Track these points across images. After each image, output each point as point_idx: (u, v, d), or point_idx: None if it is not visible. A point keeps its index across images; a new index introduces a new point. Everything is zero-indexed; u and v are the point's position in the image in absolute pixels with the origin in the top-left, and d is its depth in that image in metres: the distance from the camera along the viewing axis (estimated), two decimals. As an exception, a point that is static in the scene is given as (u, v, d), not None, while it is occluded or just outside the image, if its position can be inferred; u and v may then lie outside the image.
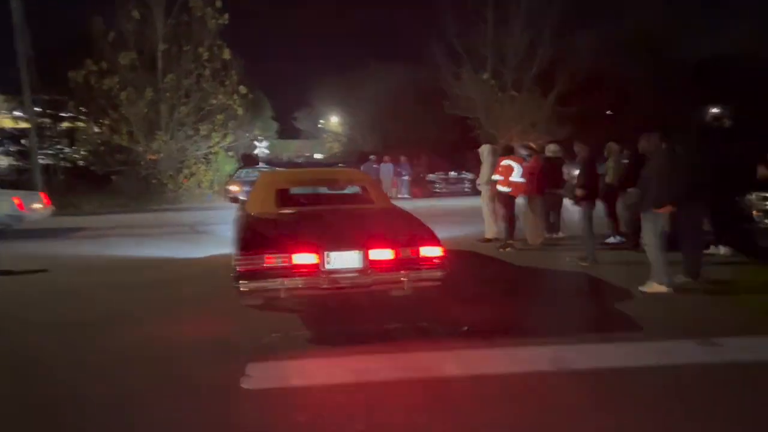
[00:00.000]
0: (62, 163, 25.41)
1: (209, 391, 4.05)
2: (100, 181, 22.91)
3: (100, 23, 21.51)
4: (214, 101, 22.66)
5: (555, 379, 4.14)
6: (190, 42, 22.21)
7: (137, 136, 22.21)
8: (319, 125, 49.52)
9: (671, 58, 29.65)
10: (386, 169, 22.87)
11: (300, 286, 5.16)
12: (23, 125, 26.21)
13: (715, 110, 31.61)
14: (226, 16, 22.49)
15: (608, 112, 27.30)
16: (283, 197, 7.10)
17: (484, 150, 10.42)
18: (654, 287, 6.56)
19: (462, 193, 22.50)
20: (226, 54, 22.73)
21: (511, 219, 9.73)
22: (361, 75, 33.93)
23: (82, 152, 24.50)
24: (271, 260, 5.10)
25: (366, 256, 5.23)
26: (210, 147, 23.31)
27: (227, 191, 22.15)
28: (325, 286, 5.19)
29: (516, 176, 9.60)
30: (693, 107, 29.62)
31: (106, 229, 14.28)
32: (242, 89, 23.24)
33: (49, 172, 23.71)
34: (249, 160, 26.73)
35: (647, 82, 27.84)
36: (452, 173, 24.34)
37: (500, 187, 9.75)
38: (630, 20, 30.77)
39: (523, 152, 10.35)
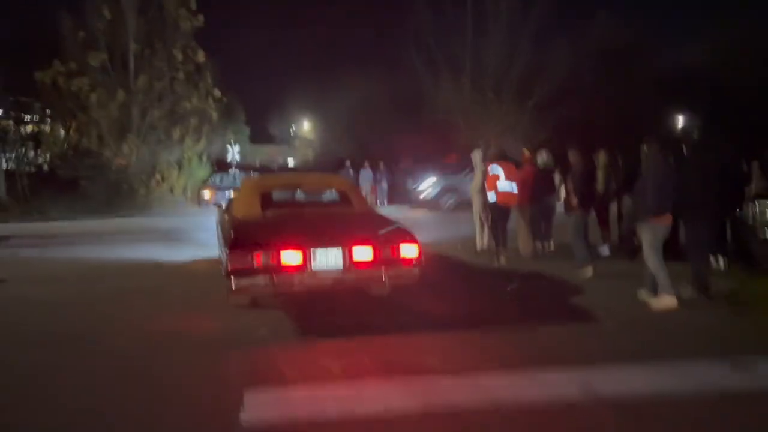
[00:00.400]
0: (26, 168, 24.43)
1: (205, 428, 3.62)
2: (67, 186, 21.97)
3: (70, 22, 20.66)
4: (188, 105, 21.99)
5: (585, 407, 3.81)
6: (164, 43, 21.54)
7: (107, 140, 21.43)
8: (291, 130, 48.88)
9: (639, 70, 30.27)
10: (365, 175, 22.48)
11: (287, 282, 5.48)
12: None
13: (685, 119, 32.54)
14: (201, 17, 21.89)
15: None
16: (268, 201, 7.27)
17: (476, 155, 10.10)
18: (663, 301, 6.31)
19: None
20: (201, 56, 22.08)
21: (502, 228, 9.43)
22: (338, 79, 33.49)
23: (47, 156, 23.56)
24: (260, 258, 5.39)
25: (348, 254, 5.59)
26: (183, 152, 22.63)
27: (201, 197, 21.61)
28: (310, 283, 5.56)
29: (502, 183, 9.27)
30: (660, 117, 30.47)
31: (74, 236, 13.60)
32: (217, 93, 22.64)
33: (13, 177, 22.79)
34: (223, 165, 26.10)
35: (617, 91, 28.18)
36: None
37: (488, 194, 9.46)
38: (600, 31, 31.34)
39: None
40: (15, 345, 5.35)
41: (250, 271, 5.38)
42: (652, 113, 29.81)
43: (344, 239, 5.67)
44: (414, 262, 5.79)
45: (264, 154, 50.36)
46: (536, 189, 9.72)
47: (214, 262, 8.51)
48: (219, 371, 4.53)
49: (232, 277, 5.37)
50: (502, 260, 9.08)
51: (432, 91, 25.52)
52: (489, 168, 9.37)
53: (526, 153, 10.35)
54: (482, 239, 10.00)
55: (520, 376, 4.33)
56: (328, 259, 5.57)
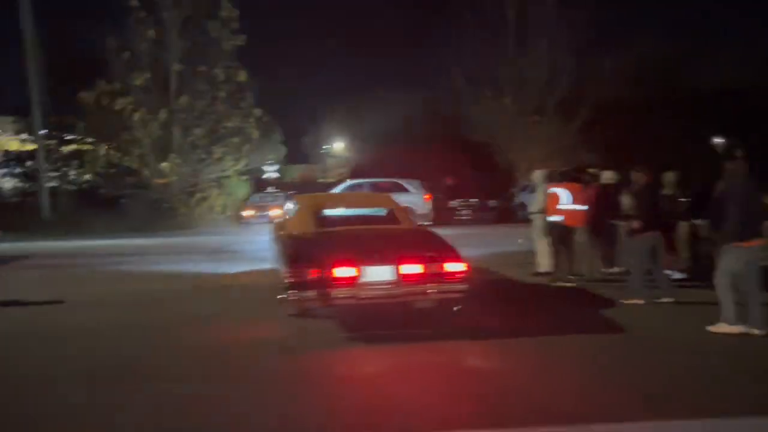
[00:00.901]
0: (68, 186, 24.67)
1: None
2: (107, 204, 22.07)
3: (114, 43, 20.89)
4: (229, 124, 22.00)
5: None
6: (206, 63, 21.63)
7: (148, 159, 21.50)
8: (324, 150, 48.96)
9: (684, 88, 29.50)
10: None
11: (340, 296, 5.83)
12: (29, 147, 25.55)
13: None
14: (243, 37, 21.98)
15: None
16: (321, 218, 7.58)
17: (538, 176, 9.68)
18: (722, 328, 5.80)
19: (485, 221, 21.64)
20: (243, 76, 22.13)
21: (564, 250, 8.95)
22: (375, 99, 33.38)
23: (88, 175, 23.71)
24: (316, 273, 5.75)
25: (397, 270, 5.91)
26: (223, 170, 22.62)
27: (241, 216, 21.55)
28: (362, 296, 5.86)
29: (564, 204, 8.82)
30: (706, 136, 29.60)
31: (122, 255, 13.44)
32: (257, 112, 22.63)
33: (56, 194, 23.00)
34: (263, 184, 26.14)
35: (662, 110, 27.41)
36: (473, 200, 23.60)
37: (548, 218, 9.03)
38: (644, 49, 30.76)
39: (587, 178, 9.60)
40: (88, 374, 5.07)
41: (306, 285, 5.77)
42: (697, 132, 29.02)
43: (394, 256, 5.99)
44: (460, 277, 6.03)
45: (298, 173, 50.53)
46: (600, 209, 9.22)
47: (264, 275, 9.13)
48: (286, 382, 4.75)
49: (290, 289, 5.81)
50: (568, 283, 8.61)
51: (472, 110, 25.14)
52: (549, 190, 8.98)
53: (592, 171, 9.87)
54: (544, 262, 9.49)
55: (625, 428, 3.79)
56: (378, 274, 5.90)
